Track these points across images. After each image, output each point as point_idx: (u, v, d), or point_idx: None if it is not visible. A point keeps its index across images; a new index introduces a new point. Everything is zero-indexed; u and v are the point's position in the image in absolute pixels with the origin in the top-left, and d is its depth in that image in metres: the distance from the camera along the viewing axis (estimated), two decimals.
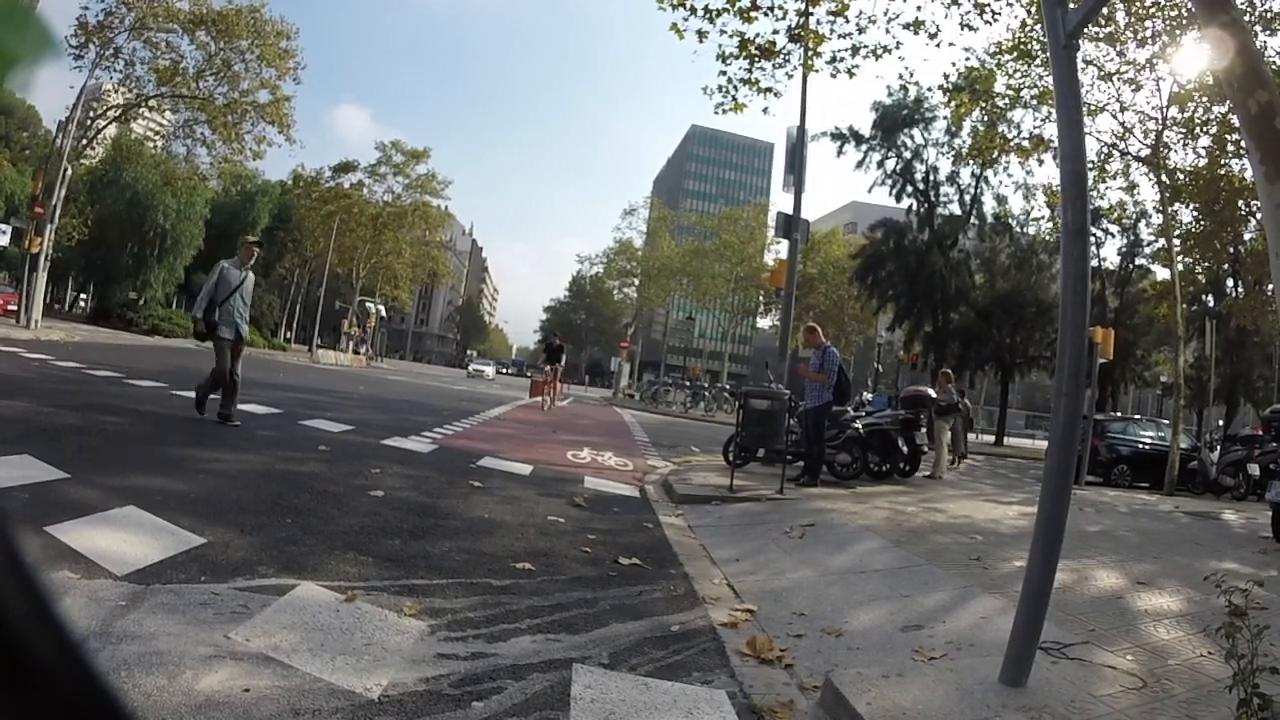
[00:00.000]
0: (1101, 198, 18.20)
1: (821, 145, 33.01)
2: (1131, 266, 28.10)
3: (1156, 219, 19.56)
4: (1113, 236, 26.81)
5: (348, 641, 2.44)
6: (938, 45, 11.78)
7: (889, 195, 32.28)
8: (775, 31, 11.41)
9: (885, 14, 17.54)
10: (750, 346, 69.13)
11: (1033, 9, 11.75)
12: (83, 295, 47.36)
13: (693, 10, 11.06)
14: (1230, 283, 23.63)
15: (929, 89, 24.53)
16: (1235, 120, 5.85)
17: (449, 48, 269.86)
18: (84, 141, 23.24)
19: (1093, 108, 14.66)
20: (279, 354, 33.68)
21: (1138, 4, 12.94)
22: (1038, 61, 13.69)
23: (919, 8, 24.07)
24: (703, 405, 26.88)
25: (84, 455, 4.55)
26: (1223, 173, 14.43)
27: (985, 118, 16.95)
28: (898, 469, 8.88)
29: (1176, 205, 15.74)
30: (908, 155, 31.34)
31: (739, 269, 41.17)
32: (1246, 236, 16.67)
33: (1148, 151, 14.74)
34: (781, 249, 28.18)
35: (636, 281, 48.49)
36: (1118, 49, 13.96)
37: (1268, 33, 12.46)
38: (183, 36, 22.04)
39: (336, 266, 42.09)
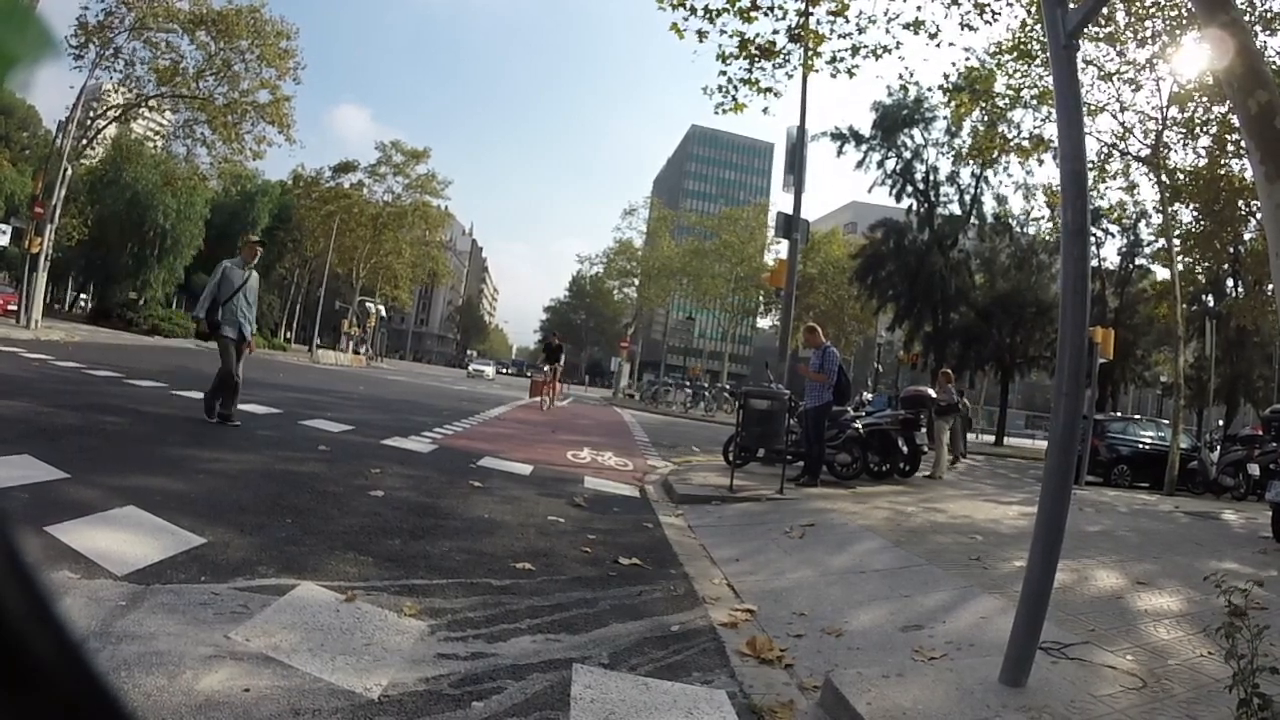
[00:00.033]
0: (1101, 198, 18.21)
1: (821, 145, 33.06)
2: (1131, 266, 28.09)
3: (1156, 219, 19.59)
4: (1113, 236, 26.85)
5: (348, 641, 2.44)
6: (938, 45, 11.80)
7: (889, 195, 32.30)
8: (775, 31, 11.43)
9: (885, 14, 17.57)
10: (750, 346, 69.14)
11: (1033, 9, 11.75)
12: (83, 295, 47.37)
13: (693, 10, 11.06)
14: (1230, 283, 23.63)
15: (929, 89, 24.56)
16: (1235, 120, 5.85)
17: (449, 48, 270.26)
18: (84, 141, 23.24)
19: (1093, 108, 14.67)
20: (279, 354, 33.67)
21: (1138, 4, 12.94)
22: (1038, 61, 13.70)
23: (919, 8, 24.13)
24: (703, 405, 26.89)
25: (84, 455, 4.55)
26: (1223, 173, 14.43)
27: (985, 118, 16.96)
28: (898, 469, 8.88)
29: (1176, 205, 15.74)
30: (908, 155, 31.36)
31: (739, 269, 41.18)
32: (1246, 236, 16.67)
33: (1148, 151, 14.74)
34: (781, 249, 28.20)
35: (636, 281, 48.50)
36: (1118, 49, 13.96)
37: (1268, 33, 12.46)
38: (183, 36, 22.08)
39: (336, 266, 42.11)
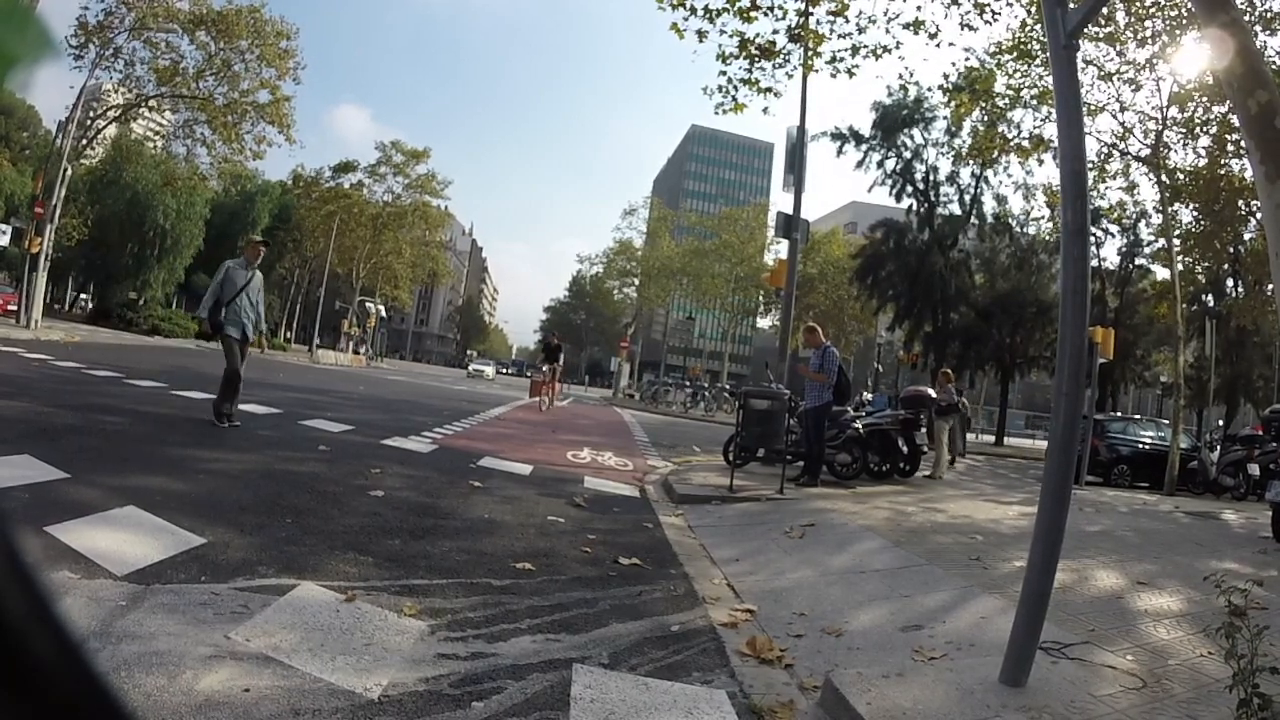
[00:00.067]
0: (1101, 198, 18.20)
1: (821, 145, 33.02)
2: (1131, 266, 28.07)
3: (1156, 219, 19.59)
4: (1113, 236, 26.82)
5: (348, 641, 2.44)
6: (938, 45, 11.79)
7: (889, 195, 32.27)
8: (775, 31, 11.42)
9: (885, 14, 17.52)
10: (750, 346, 69.13)
11: (1033, 9, 11.75)
12: (83, 295, 47.38)
13: (693, 10, 11.06)
14: (1230, 283, 23.62)
15: (929, 89, 24.61)
16: (1235, 120, 5.85)
17: (449, 48, 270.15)
18: (84, 141, 23.24)
19: (1093, 108, 14.67)
20: (279, 354, 33.62)
21: (1138, 4, 12.94)
22: (1038, 61, 13.69)
23: (919, 8, 24.12)
24: (703, 405, 26.89)
25: (84, 455, 4.55)
26: (1223, 173, 14.43)
27: (985, 118, 16.95)
28: (898, 469, 8.88)
29: (1176, 205, 15.73)
30: (907, 155, 31.33)
31: (739, 269, 41.19)
32: (1246, 236, 16.68)
33: (1148, 151, 14.73)
34: (781, 249, 28.24)
35: (636, 281, 48.52)
36: (1118, 49, 13.96)
37: (1268, 33, 12.46)
38: (183, 36, 22.08)
39: (336, 266, 42.12)
